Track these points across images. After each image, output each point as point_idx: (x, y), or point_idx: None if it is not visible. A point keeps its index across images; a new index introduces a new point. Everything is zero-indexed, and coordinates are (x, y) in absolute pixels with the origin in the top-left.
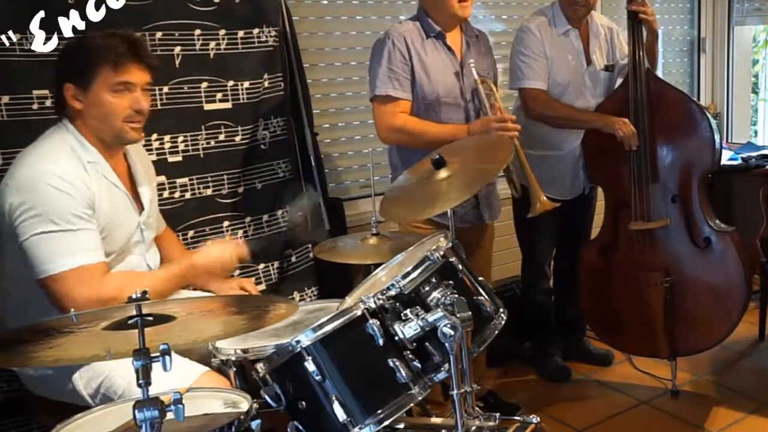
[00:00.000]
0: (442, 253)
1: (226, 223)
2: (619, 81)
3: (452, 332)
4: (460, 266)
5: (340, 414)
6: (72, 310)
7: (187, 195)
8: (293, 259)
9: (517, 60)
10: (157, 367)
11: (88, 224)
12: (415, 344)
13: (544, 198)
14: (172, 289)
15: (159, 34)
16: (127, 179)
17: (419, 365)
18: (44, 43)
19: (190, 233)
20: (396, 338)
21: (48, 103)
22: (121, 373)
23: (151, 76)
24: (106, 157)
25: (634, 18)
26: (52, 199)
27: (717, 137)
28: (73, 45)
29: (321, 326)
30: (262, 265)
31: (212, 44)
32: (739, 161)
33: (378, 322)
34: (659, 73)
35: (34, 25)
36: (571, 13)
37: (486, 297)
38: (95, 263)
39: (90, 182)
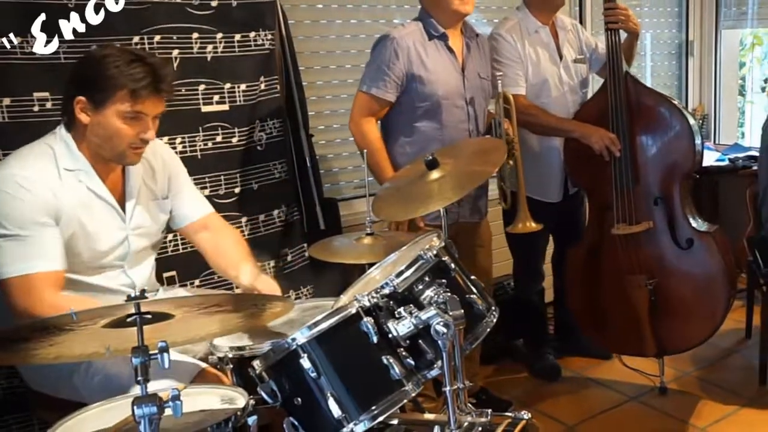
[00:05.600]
0: (435, 252)
1: None
2: (596, 85)
3: (445, 330)
4: (452, 265)
5: (335, 410)
6: (72, 309)
7: None
8: (289, 258)
9: (492, 70)
10: (155, 363)
11: (43, 231)
12: (408, 342)
13: (530, 223)
14: None
15: (157, 38)
16: (120, 191)
17: (413, 362)
18: (45, 46)
19: None
20: (390, 336)
21: (49, 105)
22: (120, 369)
23: (165, 105)
24: (97, 167)
25: (607, 24)
26: (5, 205)
27: (697, 138)
28: (94, 60)
29: (316, 324)
30: (258, 264)
31: (209, 47)
32: (727, 162)
33: (372, 320)
34: (647, 76)
35: (36, 27)
36: (548, 5)
37: (478, 295)
38: (43, 272)
39: (60, 189)
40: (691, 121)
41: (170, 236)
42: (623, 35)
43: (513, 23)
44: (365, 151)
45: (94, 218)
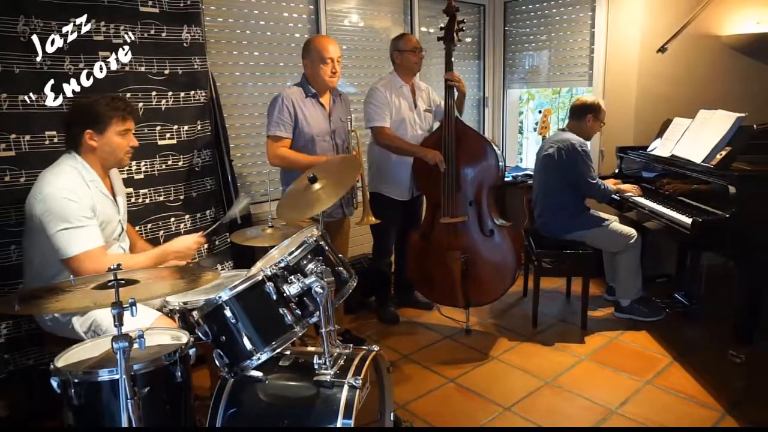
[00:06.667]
0: (314, 238)
1: (172, 220)
2: (437, 124)
3: (321, 291)
4: (326, 247)
5: (248, 345)
6: (71, 278)
7: (147, 200)
8: (217, 242)
9: (368, 108)
10: (127, 313)
11: (91, 222)
12: (297, 299)
13: (371, 218)
14: (152, 265)
15: (129, 95)
16: (111, 191)
17: (300, 312)
18: (53, 101)
19: (149, 226)
20: (284, 294)
21: (55, 140)
22: (104, 317)
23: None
24: (101, 177)
25: (447, 83)
26: (67, 206)
27: (501, 163)
28: (87, 106)
29: (235, 287)
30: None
31: (163, 101)
32: (511, 178)
33: (272, 284)
34: (463, 119)
35: (47, 88)
36: (409, 71)
37: (343, 267)
38: (97, 247)
39: (91, 194)
40: (498, 151)
41: None
42: (456, 93)
43: (386, 81)
44: (271, 170)
45: (107, 210)
